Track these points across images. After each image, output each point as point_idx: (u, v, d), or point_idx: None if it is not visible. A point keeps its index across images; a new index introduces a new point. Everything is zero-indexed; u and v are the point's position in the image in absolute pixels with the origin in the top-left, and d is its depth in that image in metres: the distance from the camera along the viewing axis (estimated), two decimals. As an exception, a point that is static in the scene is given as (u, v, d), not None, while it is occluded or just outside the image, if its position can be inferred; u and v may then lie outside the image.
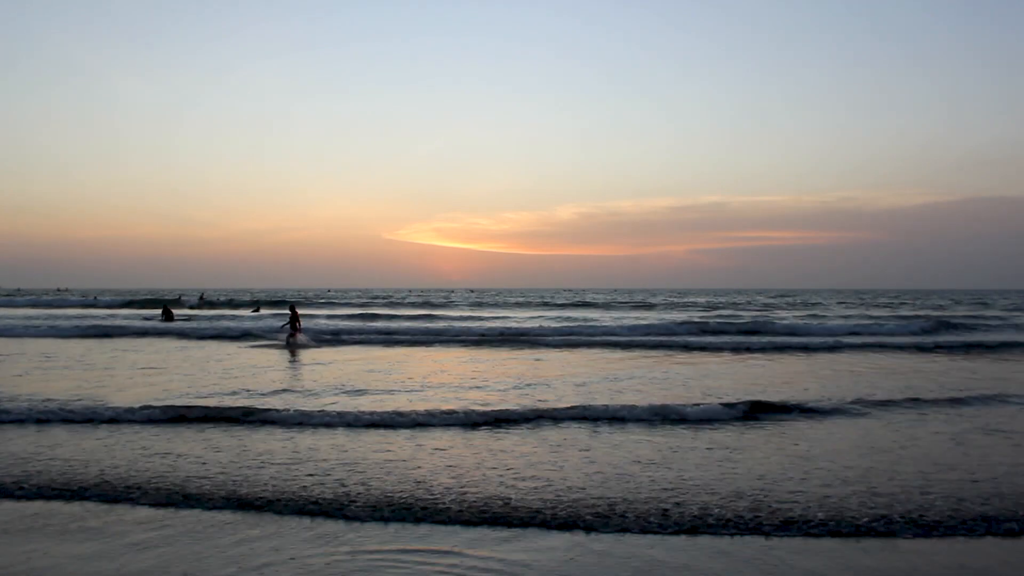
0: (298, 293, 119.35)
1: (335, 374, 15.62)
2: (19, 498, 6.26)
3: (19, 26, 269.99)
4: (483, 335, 27.95)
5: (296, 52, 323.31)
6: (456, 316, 44.45)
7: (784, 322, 34.90)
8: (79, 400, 11.48)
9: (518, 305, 70.90)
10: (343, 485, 6.70)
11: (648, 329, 30.14)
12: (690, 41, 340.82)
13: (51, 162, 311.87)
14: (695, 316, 43.84)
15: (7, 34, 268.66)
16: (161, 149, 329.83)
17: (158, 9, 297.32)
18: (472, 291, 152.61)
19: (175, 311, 42.84)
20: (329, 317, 40.58)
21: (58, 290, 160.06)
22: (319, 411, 10.29)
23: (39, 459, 7.63)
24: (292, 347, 23.12)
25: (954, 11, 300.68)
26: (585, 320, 38.65)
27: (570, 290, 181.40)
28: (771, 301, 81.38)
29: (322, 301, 73.89)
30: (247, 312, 48.92)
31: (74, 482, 6.72)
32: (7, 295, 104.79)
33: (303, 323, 26.39)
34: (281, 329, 26.48)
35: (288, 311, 26.05)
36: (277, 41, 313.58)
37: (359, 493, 6.42)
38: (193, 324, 32.53)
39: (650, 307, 63.83)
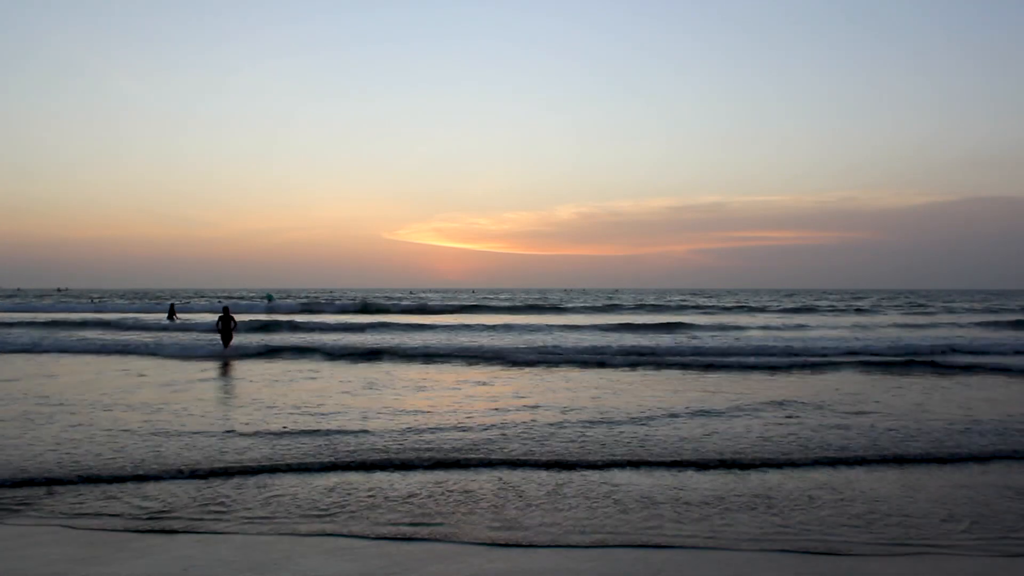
0: (335, 293, 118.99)
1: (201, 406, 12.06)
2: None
3: (22, 27, 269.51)
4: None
5: (297, 55, 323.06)
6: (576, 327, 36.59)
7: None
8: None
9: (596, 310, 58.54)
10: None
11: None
12: (689, 41, 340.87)
13: (53, 162, 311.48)
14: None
15: (10, 35, 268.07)
16: (162, 150, 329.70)
17: (161, 11, 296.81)
18: (473, 291, 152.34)
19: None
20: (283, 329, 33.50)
21: (58, 290, 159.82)
22: None
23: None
24: (225, 358, 20.25)
25: (953, 10, 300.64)
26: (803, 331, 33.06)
27: (640, 291, 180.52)
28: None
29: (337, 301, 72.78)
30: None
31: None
32: (7, 295, 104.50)
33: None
34: (217, 327, 22.49)
35: (219, 316, 22.56)
36: (278, 44, 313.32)
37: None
38: (177, 337, 27.90)
39: (811, 310, 58.13)
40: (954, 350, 22.36)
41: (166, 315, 42.04)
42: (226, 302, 61.92)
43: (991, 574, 5.01)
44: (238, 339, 23.24)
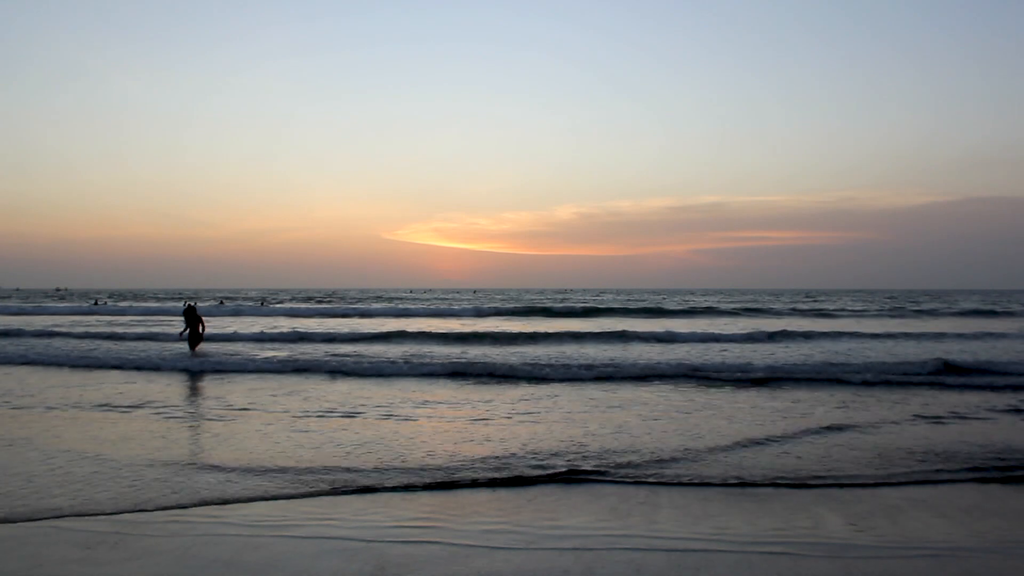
0: (339, 293, 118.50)
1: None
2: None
3: (23, 27, 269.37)
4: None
5: (297, 56, 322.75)
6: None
7: None
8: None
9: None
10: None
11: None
12: (689, 41, 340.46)
13: (53, 162, 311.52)
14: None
15: (11, 35, 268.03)
16: (162, 150, 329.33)
17: (161, 11, 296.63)
18: (476, 292, 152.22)
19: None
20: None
21: (57, 290, 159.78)
22: None
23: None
24: (193, 366, 17.45)
25: (953, 10, 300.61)
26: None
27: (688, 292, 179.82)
28: None
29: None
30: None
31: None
32: (7, 295, 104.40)
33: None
34: (181, 337, 21.08)
35: (184, 315, 20.49)
36: (279, 45, 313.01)
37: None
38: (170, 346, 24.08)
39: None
40: None
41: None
42: (227, 302, 61.65)
43: None
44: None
